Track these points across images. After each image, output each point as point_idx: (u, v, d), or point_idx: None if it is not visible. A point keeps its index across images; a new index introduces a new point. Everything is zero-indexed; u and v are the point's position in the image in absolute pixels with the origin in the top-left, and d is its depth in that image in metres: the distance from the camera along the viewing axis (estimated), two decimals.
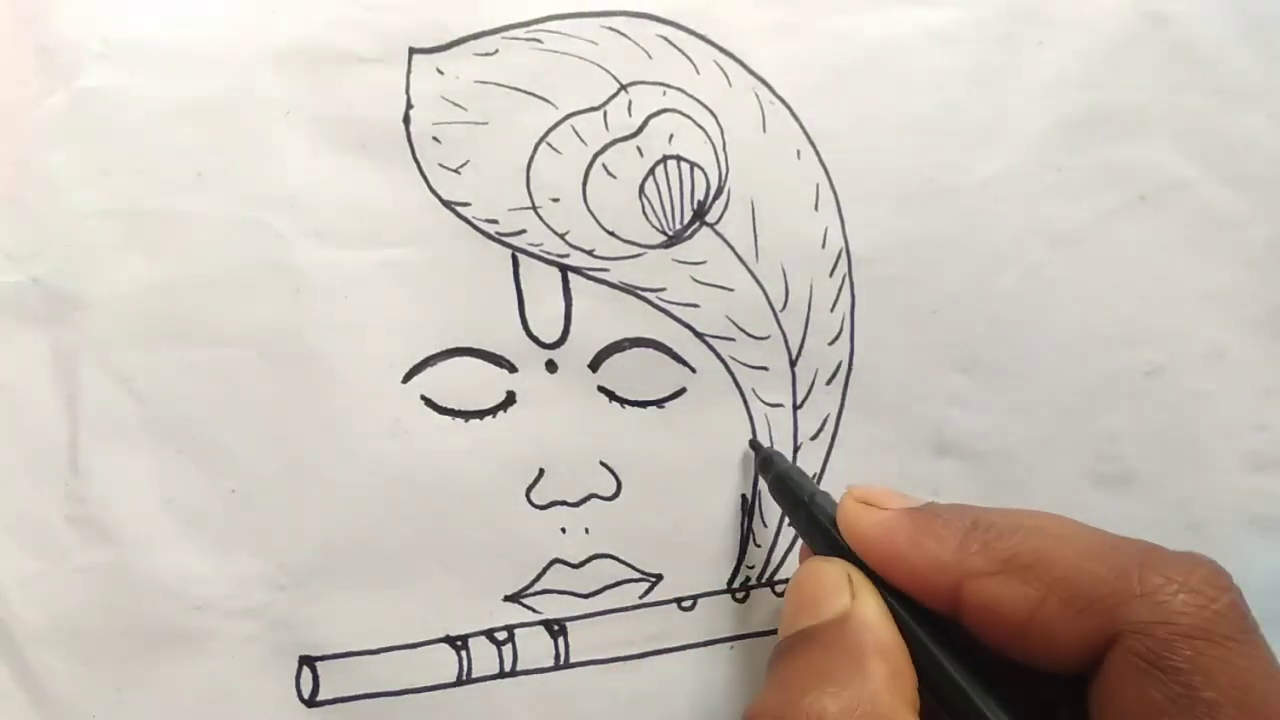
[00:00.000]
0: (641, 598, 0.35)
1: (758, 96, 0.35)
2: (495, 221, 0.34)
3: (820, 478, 0.36)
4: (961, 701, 0.26)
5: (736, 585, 0.35)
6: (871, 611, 0.27)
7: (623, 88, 0.34)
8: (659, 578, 0.35)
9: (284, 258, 0.33)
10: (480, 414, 0.34)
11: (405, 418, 0.33)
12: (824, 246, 0.35)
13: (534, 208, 0.34)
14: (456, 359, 0.34)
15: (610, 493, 0.35)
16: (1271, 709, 0.23)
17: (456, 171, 0.34)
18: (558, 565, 0.34)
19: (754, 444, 0.35)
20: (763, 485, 0.35)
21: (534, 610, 0.34)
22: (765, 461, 0.34)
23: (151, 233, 0.33)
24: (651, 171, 0.34)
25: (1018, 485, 0.37)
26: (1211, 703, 0.23)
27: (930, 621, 0.27)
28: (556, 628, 0.34)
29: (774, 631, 0.35)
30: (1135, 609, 0.24)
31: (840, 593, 0.27)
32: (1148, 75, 0.37)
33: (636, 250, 0.35)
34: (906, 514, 0.28)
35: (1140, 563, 0.25)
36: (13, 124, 0.33)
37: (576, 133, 0.34)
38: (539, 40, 0.34)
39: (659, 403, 0.35)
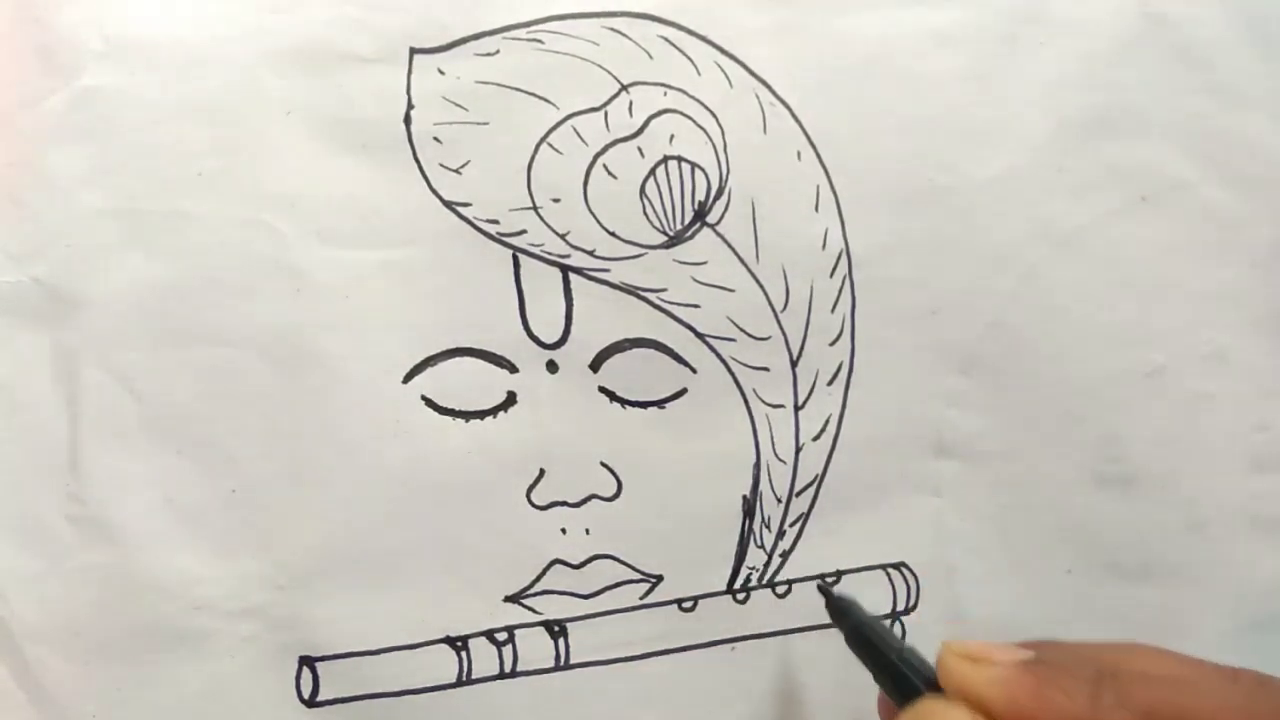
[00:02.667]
0: (642, 599, 0.35)
1: (758, 97, 0.35)
2: (496, 222, 0.34)
3: (822, 479, 0.36)
4: None
5: (737, 586, 0.35)
6: None
7: (624, 88, 0.34)
8: (659, 579, 0.35)
9: (285, 257, 0.33)
10: (481, 414, 0.34)
11: (406, 418, 0.33)
12: (824, 247, 0.35)
13: (535, 208, 0.34)
14: (457, 359, 0.34)
15: (611, 493, 0.35)
16: None
17: (457, 172, 0.34)
18: (558, 566, 0.34)
19: (823, 589, 0.34)
20: (764, 487, 0.35)
21: (534, 611, 0.34)
22: (838, 612, 0.32)
23: (152, 232, 0.33)
24: (652, 172, 0.34)
25: (1018, 486, 0.37)
26: None
27: None
28: (557, 628, 0.34)
29: (775, 633, 0.35)
30: None
31: None
32: (1149, 76, 0.37)
33: (637, 251, 0.35)
34: (1025, 668, 0.27)
35: (1269, 705, 0.24)
36: (13, 123, 0.33)
37: (577, 133, 0.34)
38: (540, 40, 0.34)
39: (660, 403, 0.35)
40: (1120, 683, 0.26)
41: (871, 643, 0.30)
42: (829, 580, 0.35)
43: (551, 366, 0.34)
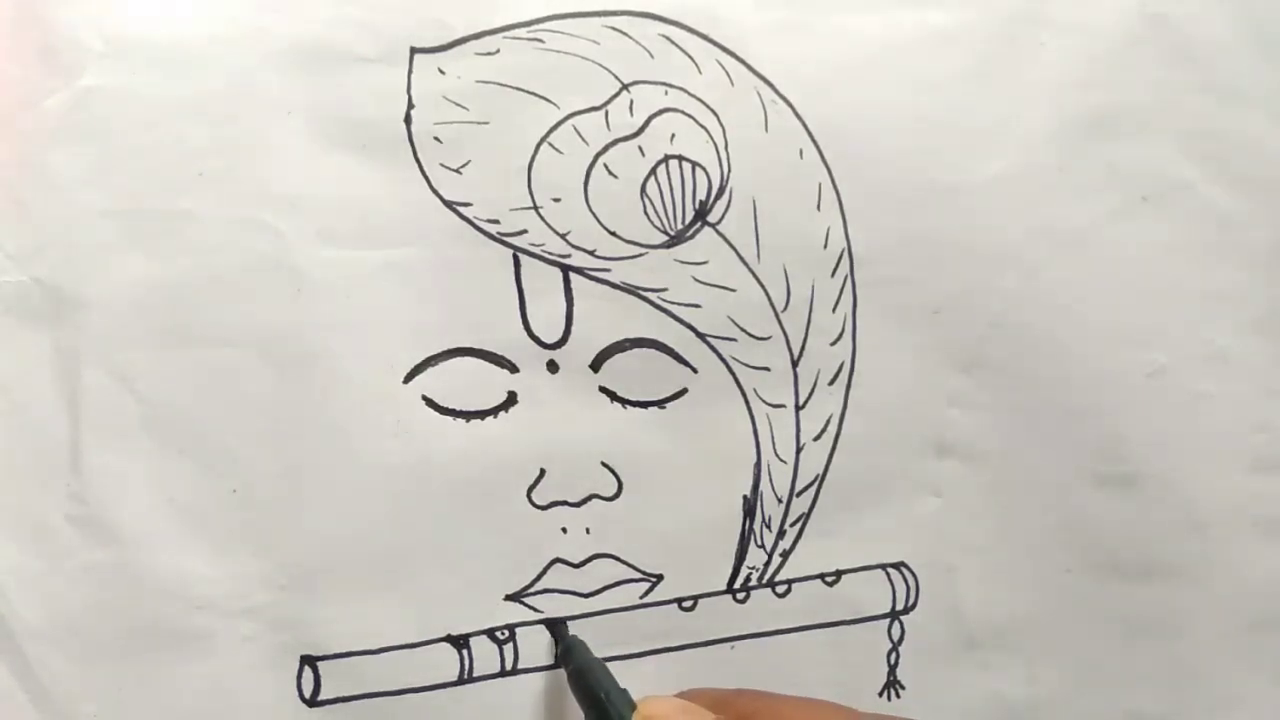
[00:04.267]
0: (642, 598, 0.35)
1: (760, 96, 0.35)
2: (497, 221, 0.34)
3: (823, 479, 0.36)
4: None
5: (737, 586, 0.35)
6: None
7: (624, 87, 0.34)
8: (659, 578, 0.35)
9: (285, 257, 0.33)
10: (481, 414, 0.34)
11: (406, 418, 0.33)
12: (826, 246, 0.35)
13: (535, 208, 0.34)
14: (458, 359, 0.34)
15: (611, 493, 0.35)
16: None
17: (458, 171, 0.34)
18: (558, 565, 0.34)
19: (550, 625, 0.34)
20: (764, 487, 0.35)
21: (535, 610, 0.34)
22: (566, 652, 0.34)
23: (153, 232, 0.33)
24: (653, 171, 0.34)
25: (1019, 486, 0.37)
26: None
27: None
28: (557, 627, 0.34)
29: (775, 632, 0.35)
30: None
31: None
32: (1149, 76, 0.37)
33: (638, 250, 0.34)
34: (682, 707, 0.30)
35: None
36: (14, 123, 0.33)
37: (578, 132, 0.34)
38: (541, 40, 0.34)
39: (660, 403, 0.35)
40: None
41: (589, 684, 0.32)
42: (559, 625, 0.35)
43: (552, 366, 0.34)
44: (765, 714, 0.29)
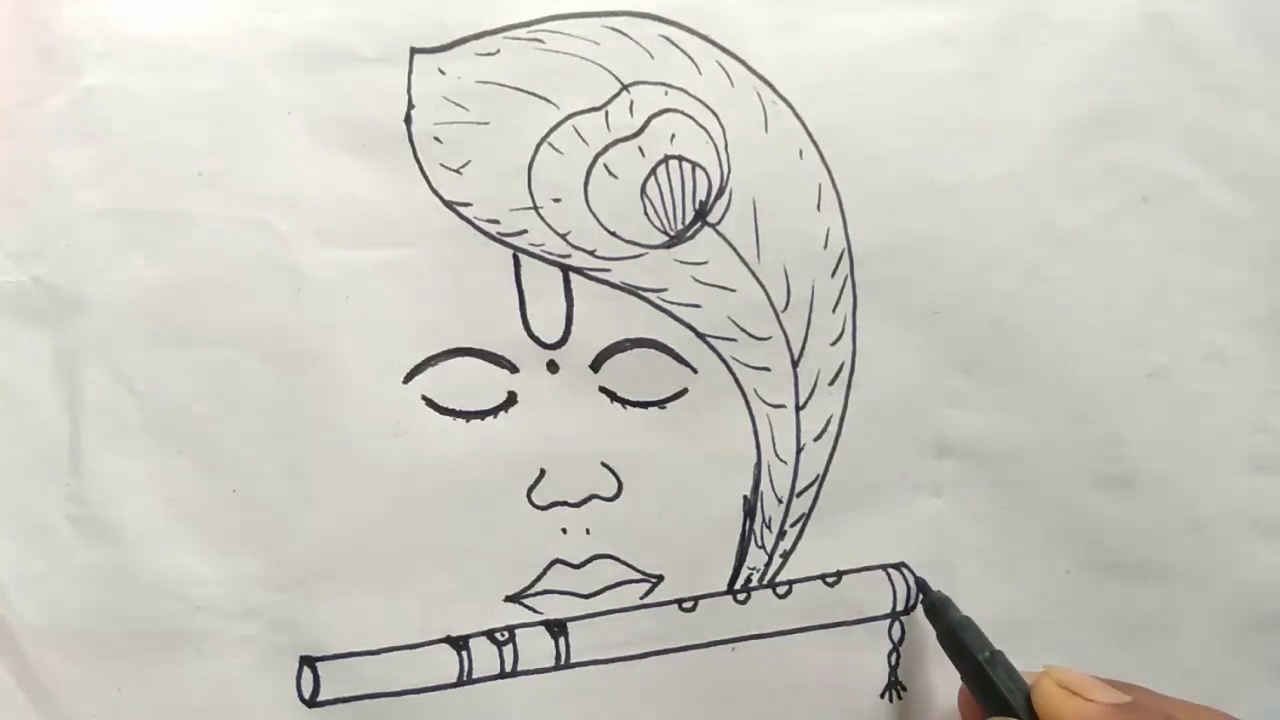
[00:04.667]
0: (642, 598, 0.35)
1: (760, 96, 0.35)
2: (497, 222, 0.34)
3: (823, 479, 0.36)
4: None
5: (737, 587, 0.35)
6: None
7: (624, 88, 0.34)
8: (660, 578, 0.35)
9: (285, 257, 0.33)
10: (481, 414, 0.34)
11: (406, 418, 0.33)
12: (826, 247, 0.35)
13: (535, 208, 0.34)
14: (458, 359, 0.34)
15: (611, 493, 0.35)
16: None
17: (458, 171, 0.34)
18: (558, 566, 0.34)
19: (921, 583, 0.35)
20: (765, 487, 0.35)
21: (535, 611, 0.34)
22: (933, 608, 0.34)
23: (152, 232, 0.33)
24: (653, 171, 0.34)
25: (1019, 486, 0.37)
26: None
27: None
28: (557, 628, 0.34)
29: (776, 633, 0.35)
30: None
31: None
32: (1150, 76, 0.37)
33: (638, 250, 0.34)
34: (1116, 710, 0.28)
35: None
36: (14, 123, 0.33)
37: (578, 133, 0.34)
38: (541, 40, 0.34)
39: (660, 403, 0.35)
40: None
41: (964, 644, 0.32)
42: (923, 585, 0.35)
43: (552, 366, 0.34)
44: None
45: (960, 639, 0.32)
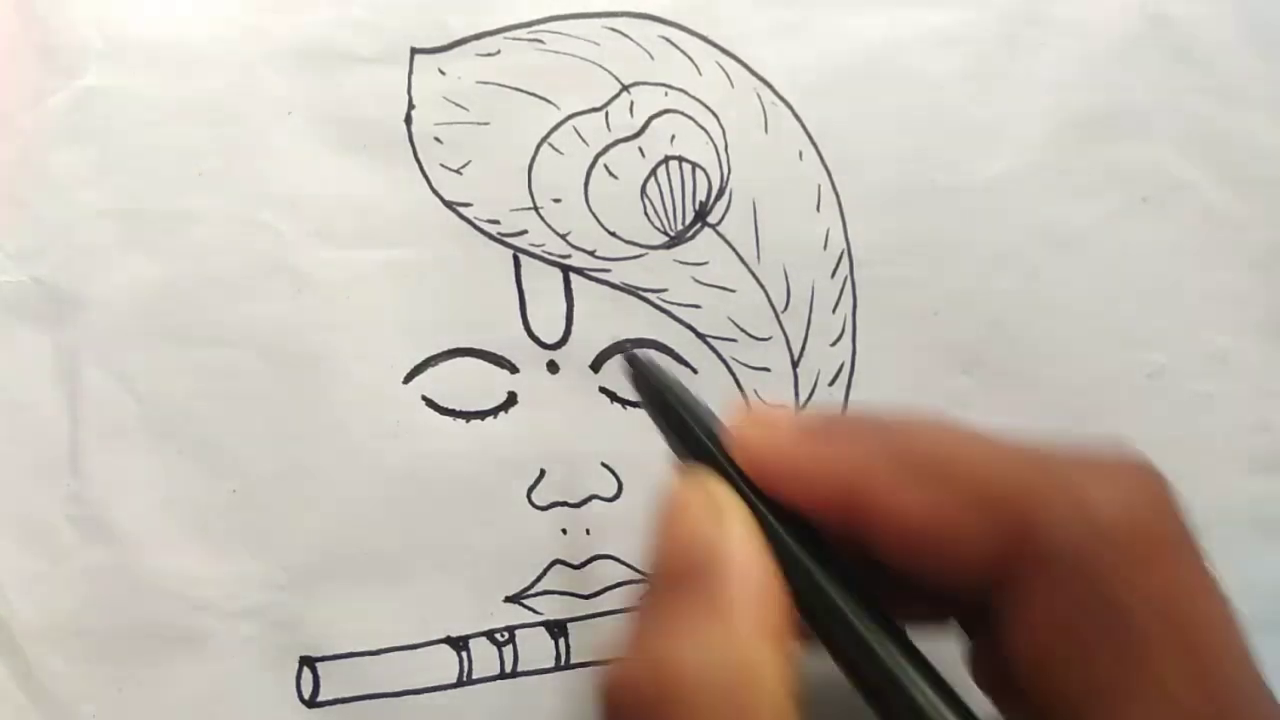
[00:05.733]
0: None
1: (760, 97, 0.35)
2: (497, 222, 0.34)
3: None
4: (840, 628, 0.23)
5: None
6: (738, 539, 0.23)
7: (624, 88, 0.34)
8: None
9: (285, 258, 0.33)
10: (481, 414, 0.34)
11: (406, 418, 0.33)
12: (826, 247, 0.35)
13: (536, 208, 0.34)
14: (457, 359, 0.34)
15: (611, 494, 0.35)
16: (1201, 622, 0.21)
17: (458, 172, 0.34)
18: (559, 566, 0.34)
19: (627, 354, 0.30)
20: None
21: (535, 611, 0.34)
22: (633, 367, 0.29)
23: (153, 232, 0.33)
24: (653, 172, 0.34)
25: None
26: (1132, 613, 0.20)
27: (817, 543, 0.24)
28: (557, 629, 0.34)
29: None
30: (1050, 506, 0.21)
31: (703, 521, 0.24)
32: (1150, 77, 0.37)
33: (638, 251, 0.35)
34: (802, 420, 0.25)
35: (1063, 460, 0.22)
36: (14, 123, 0.33)
37: (578, 133, 0.34)
38: (541, 41, 0.34)
39: None
40: (890, 435, 0.24)
41: (669, 406, 0.28)
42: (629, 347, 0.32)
43: (552, 367, 0.34)
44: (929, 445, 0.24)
45: (652, 386, 0.29)
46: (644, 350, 0.33)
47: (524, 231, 0.34)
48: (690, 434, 0.27)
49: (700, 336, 0.35)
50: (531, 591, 0.34)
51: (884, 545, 0.23)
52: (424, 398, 0.34)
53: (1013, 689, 0.22)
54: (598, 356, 0.34)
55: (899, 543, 0.23)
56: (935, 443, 0.23)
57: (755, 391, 0.35)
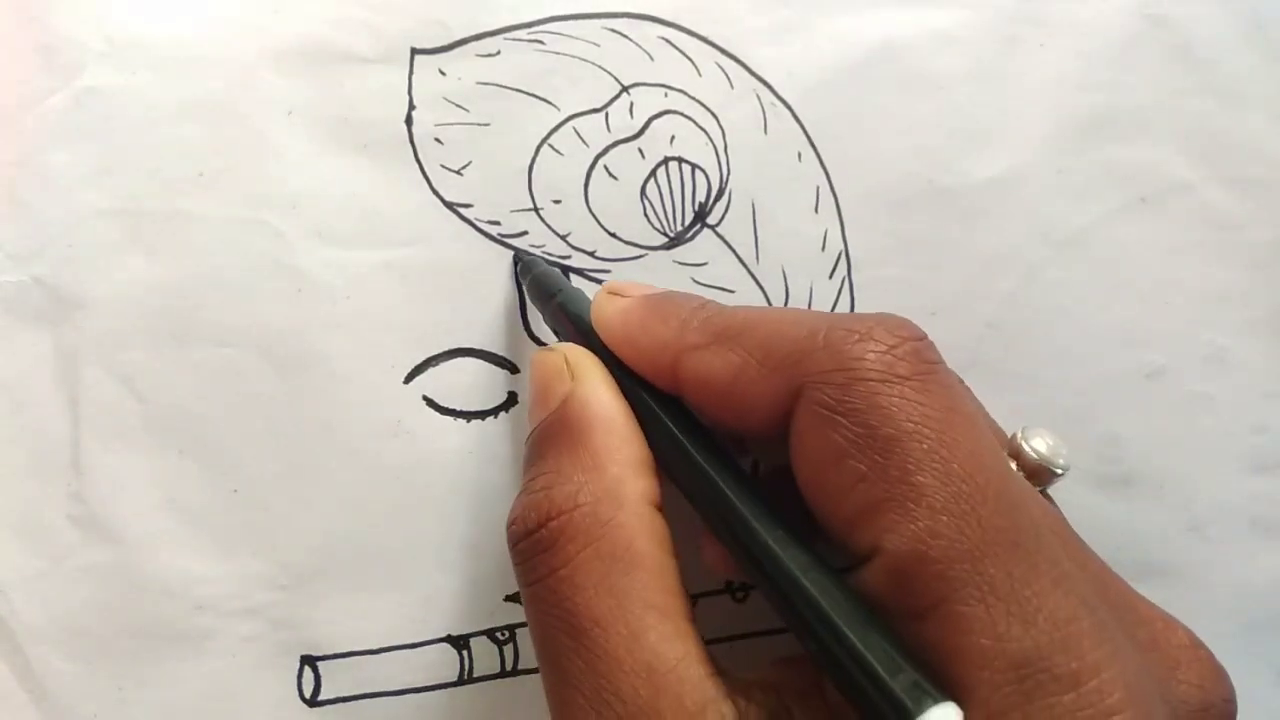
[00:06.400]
0: None
1: (759, 98, 0.35)
2: (497, 223, 0.34)
3: None
4: (686, 464, 0.27)
5: (736, 585, 0.35)
6: (591, 389, 0.28)
7: (624, 89, 0.34)
8: None
9: (286, 258, 0.33)
10: (482, 414, 0.34)
11: (407, 418, 0.33)
12: (824, 248, 0.36)
13: (536, 209, 0.34)
14: (458, 360, 0.34)
15: None
16: (950, 438, 0.23)
17: (458, 173, 0.34)
18: None
19: (515, 256, 0.34)
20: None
21: None
22: (524, 266, 0.34)
23: (153, 232, 0.33)
24: (653, 173, 0.34)
25: None
26: (890, 438, 0.23)
27: (657, 396, 0.28)
28: None
29: (772, 631, 0.35)
30: (817, 360, 0.25)
31: (560, 377, 0.28)
32: (1149, 77, 0.37)
33: (638, 252, 0.35)
34: (643, 299, 0.29)
35: (830, 322, 0.25)
36: (14, 123, 0.33)
37: (578, 134, 0.34)
38: (541, 42, 0.34)
39: None
40: (708, 311, 0.28)
41: (543, 288, 0.32)
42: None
43: None
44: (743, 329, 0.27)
45: (540, 285, 0.32)
46: (530, 255, 0.34)
47: (524, 232, 0.34)
48: (564, 311, 0.31)
49: None
50: None
51: (698, 401, 0.27)
52: (424, 398, 0.34)
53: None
54: None
55: (707, 398, 0.27)
56: (736, 315, 0.27)
57: None
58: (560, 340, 0.31)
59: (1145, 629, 0.25)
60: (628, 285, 0.30)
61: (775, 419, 0.26)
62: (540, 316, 0.34)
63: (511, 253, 0.34)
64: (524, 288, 0.34)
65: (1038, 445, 0.27)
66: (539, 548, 0.26)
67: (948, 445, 0.23)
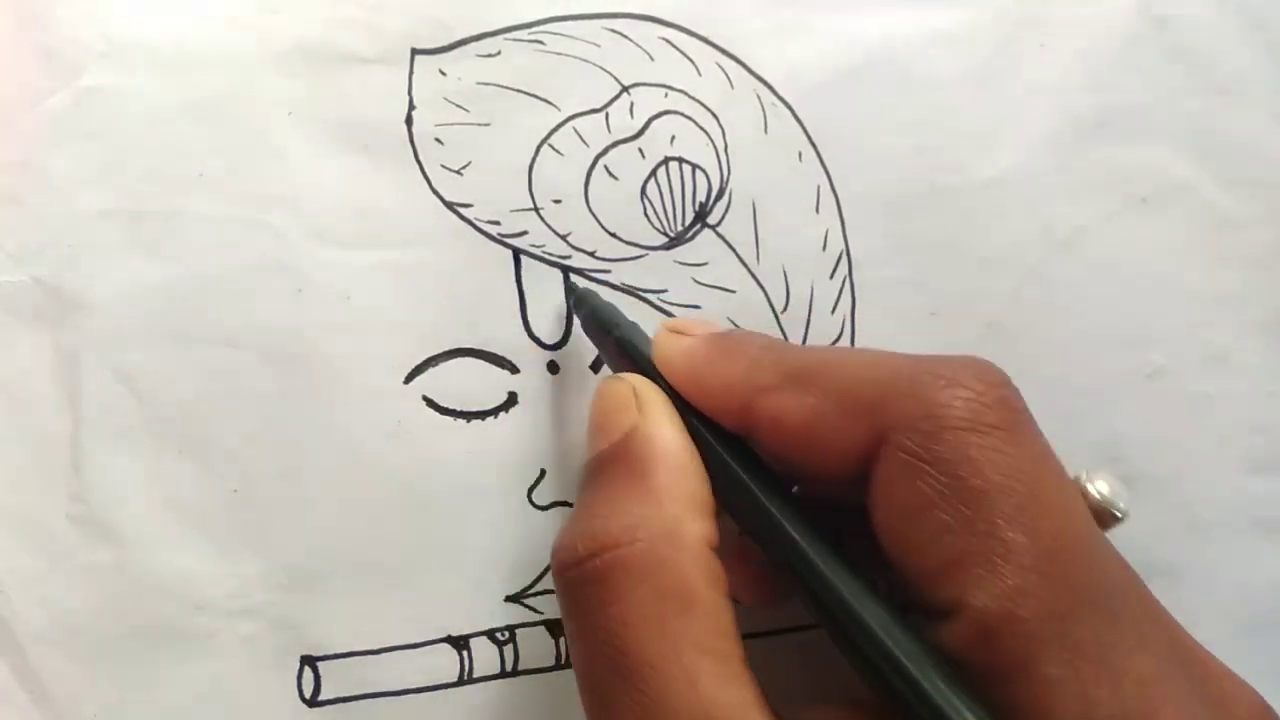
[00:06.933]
0: None
1: (759, 98, 0.35)
2: (497, 223, 0.34)
3: None
4: (755, 509, 0.26)
5: None
6: (657, 424, 0.27)
7: (624, 89, 0.34)
8: None
9: (286, 258, 0.33)
10: (482, 415, 0.34)
11: (407, 418, 0.33)
12: (825, 249, 0.36)
13: (536, 209, 0.34)
14: (458, 360, 0.34)
15: None
16: (1039, 492, 0.23)
17: (459, 173, 0.34)
18: None
19: (569, 286, 0.34)
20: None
21: (535, 610, 0.34)
22: (579, 299, 0.33)
23: (153, 233, 0.33)
24: (653, 173, 0.34)
25: None
26: (978, 490, 0.22)
27: (724, 436, 0.27)
28: (558, 628, 0.34)
29: (772, 633, 0.35)
30: (902, 406, 0.24)
31: (627, 409, 0.27)
32: (1149, 77, 0.37)
33: (638, 252, 0.35)
34: (709, 338, 0.28)
35: (914, 366, 0.25)
36: (14, 123, 0.33)
37: (578, 134, 0.34)
38: (541, 42, 0.34)
39: None
40: (780, 351, 0.27)
41: (600, 322, 0.32)
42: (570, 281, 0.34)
43: (552, 367, 0.34)
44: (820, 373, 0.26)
45: (597, 319, 0.32)
46: (586, 287, 0.34)
47: (524, 232, 0.34)
48: (623, 347, 0.30)
49: None
50: (532, 591, 0.34)
51: (770, 443, 0.27)
52: (424, 398, 0.34)
53: (886, 566, 0.25)
54: (598, 357, 0.34)
55: (782, 441, 0.26)
56: (810, 356, 0.27)
57: None
58: (614, 368, 0.31)
59: (1215, 686, 0.25)
60: (690, 324, 0.30)
61: (852, 464, 0.25)
62: (538, 318, 0.34)
63: (510, 252, 0.34)
64: (578, 319, 0.34)
65: (1101, 488, 0.27)
66: (589, 579, 0.25)
67: (1037, 500, 0.23)
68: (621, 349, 0.30)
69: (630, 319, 0.32)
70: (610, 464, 0.27)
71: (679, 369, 0.28)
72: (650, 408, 0.27)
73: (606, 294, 0.34)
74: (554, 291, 0.34)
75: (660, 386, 0.28)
